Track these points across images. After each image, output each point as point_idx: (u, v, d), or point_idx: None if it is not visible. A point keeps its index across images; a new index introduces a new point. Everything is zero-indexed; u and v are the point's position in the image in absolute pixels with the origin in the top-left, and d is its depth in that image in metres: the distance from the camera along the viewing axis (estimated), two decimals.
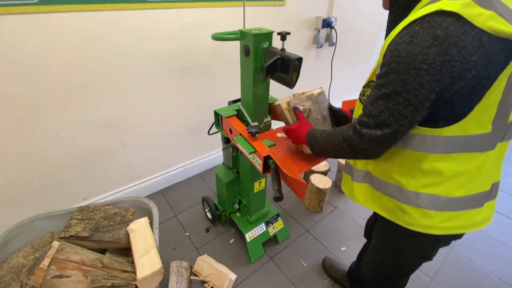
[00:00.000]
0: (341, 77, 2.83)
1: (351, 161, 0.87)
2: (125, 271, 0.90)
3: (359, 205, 0.82)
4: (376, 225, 0.91)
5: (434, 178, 0.65)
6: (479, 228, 0.70)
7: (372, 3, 2.65)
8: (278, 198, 0.88)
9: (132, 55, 1.48)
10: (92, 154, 1.59)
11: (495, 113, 0.57)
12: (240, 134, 1.08)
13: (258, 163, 0.99)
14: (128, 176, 1.85)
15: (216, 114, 1.26)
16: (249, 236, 1.55)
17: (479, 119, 0.57)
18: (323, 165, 2.06)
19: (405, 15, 0.61)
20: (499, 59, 0.51)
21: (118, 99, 1.54)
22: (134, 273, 0.88)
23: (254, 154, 1.00)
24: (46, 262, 0.81)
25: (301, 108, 0.97)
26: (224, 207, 1.65)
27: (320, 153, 0.80)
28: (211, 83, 1.89)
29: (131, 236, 0.97)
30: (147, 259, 0.88)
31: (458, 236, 0.75)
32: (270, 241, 1.66)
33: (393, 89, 0.54)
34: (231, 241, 1.67)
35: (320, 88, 1.01)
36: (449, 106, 0.56)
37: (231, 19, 1.73)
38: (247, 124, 1.20)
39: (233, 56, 1.87)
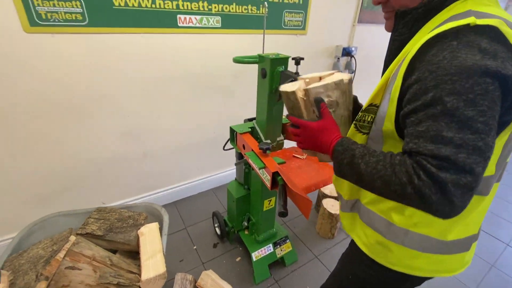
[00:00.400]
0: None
1: (338, 190, 0.77)
2: (131, 272, 0.93)
3: None
4: (346, 251, 0.84)
5: (428, 217, 0.55)
6: (460, 271, 0.65)
7: None
8: (283, 214, 0.89)
9: (161, 73, 1.62)
10: (115, 161, 1.71)
11: (500, 154, 0.52)
12: (252, 150, 1.13)
13: (267, 179, 1.02)
14: (146, 185, 1.93)
15: (232, 130, 1.32)
16: (255, 255, 1.54)
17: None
18: None
19: (410, 34, 0.56)
20: None
21: (144, 112, 1.67)
22: (139, 275, 0.92)
23: (263, 169, 1.04)
24: (61, 254, 0.87)
25: (326, 100, 0.70)
26: (233, 223, 1.66)
27: (353, 180, 0.58)
28: (230, 102, 2.00)
29: (140, 239, 1.02)
30: (152, 262, 0.92)
31: (432, 277, 0.68)
32: (276, 264, 1.63)
33: (464, 114, 0.42)
34: (237, 259, 1.66)
35: (346, 73, 0.74)
36: None
37: (252, 45, 1.86)
38: (260, 141, 1.26)
39: (251, 78, 1.98)
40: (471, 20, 0.44)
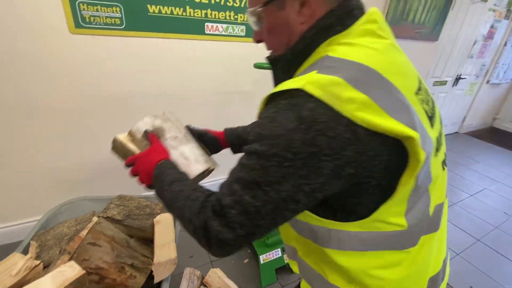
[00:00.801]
0: None
1: (281, 234, 0.67)
2: (145, 256, 0.99)
3: None
4: None
5: (357, 276, 0.50)
6: None
7: (416, 51, 2.69)
8: None
9: (186, 77, 1.72)
10: None
11: (406, 208, 0.46)
12: None
13: None
14: None
15: None
16: (263, 258, 1.55)
17: (386, 219, 0.46)
18: None
19: (287, 77, 0.51)
20: (383, 156, 0.40)
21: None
22: (152, 259, 0.97)
23: None
24: (84, 232, 0.94)
25: (151, 128, 0.75)
26: None
27: (164, 205, 0.56)
28: (250, 106, 2.06)
29: (156, 226, 1.08)
30: (165, 248, 0.97)
31: None
32: (284, 269, 1.63)
33: (254, 176, 0.41)
34: (245, 261, 1.68)
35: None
36: (334, 205, 0.46)
37: None
38: None
39: (270, 85, 2.04)
40: (303, 81, 0.39)
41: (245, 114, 2.05)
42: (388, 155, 0.40)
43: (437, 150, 0.49)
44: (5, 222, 1.61)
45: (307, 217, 0.50)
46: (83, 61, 1.42)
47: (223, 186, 0.46)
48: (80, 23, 1.35)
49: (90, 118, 1.55)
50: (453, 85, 3.64)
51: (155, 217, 1.14)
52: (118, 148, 0.76)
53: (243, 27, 1.75)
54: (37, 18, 1.26)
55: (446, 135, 4.21)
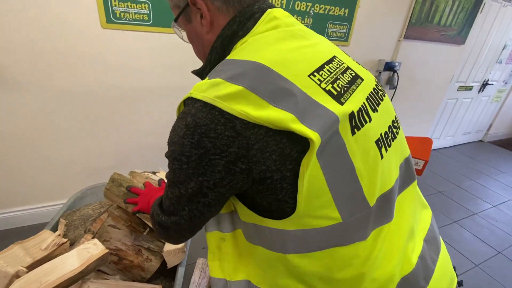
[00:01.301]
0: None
1: (220, 274, 0.66)
2: (160, 241, 1.04)
3: None
4: None
5: (309, 280, 0.48)
6: None
7: (441, 54, 2.61)
8: None
9: None
10: (156, 148, 1.88)
11: (332, 198, 0.43)
12: None
13: None
14: None
15: None
16: None
17: (313, 212, 0.43)
18: None
19: None
20: (271, 147, 0.39)
21: None
22: None
23: None
24: (105, 215, 1.00)
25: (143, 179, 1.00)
26: None
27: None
28: None
29: None
30: None
31: None
32: None
33: (169, 177, 0.47)
34: None
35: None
36: (261, 204, 0.46)
37: None
38: None
39: None
40: (192, 91, 0.42)
41: None
42: (276, 145, 0.39)
43: (356, 127, 0.44)
44: (36, 203, 1.72)
45: (251, 218, 0.49)
46: (113, 54, 1.50)
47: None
48: (111, 18, 1.42)
49: (115, 108, 1.63)
50: (479, 91, 3.49)
51: None
52: (115, 192, 1.00)
53: None
54: (73, 14, 1.35)
55: (469, 143, 4.04)
